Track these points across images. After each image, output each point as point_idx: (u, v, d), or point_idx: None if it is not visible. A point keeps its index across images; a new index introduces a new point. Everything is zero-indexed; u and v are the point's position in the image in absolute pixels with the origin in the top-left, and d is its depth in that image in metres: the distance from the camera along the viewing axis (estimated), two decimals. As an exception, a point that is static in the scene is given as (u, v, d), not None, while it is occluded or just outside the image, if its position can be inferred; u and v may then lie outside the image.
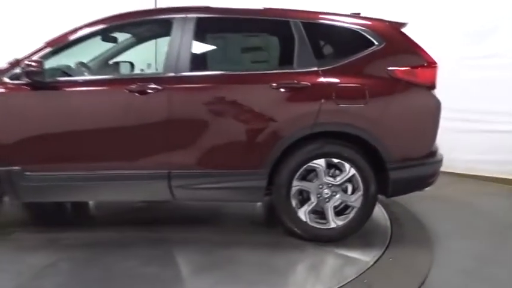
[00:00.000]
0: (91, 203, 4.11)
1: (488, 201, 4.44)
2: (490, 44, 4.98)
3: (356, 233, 3.23)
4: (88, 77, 3.32)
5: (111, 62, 3.89)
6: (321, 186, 3.13)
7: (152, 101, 3.00)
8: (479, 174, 5.06)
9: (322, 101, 3.01)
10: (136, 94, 3.00)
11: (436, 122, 3.19)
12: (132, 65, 4.03)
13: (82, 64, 3.46)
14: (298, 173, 3.11)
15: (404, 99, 3.13)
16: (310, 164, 3.09)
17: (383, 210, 3.93)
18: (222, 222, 3.69)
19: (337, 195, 3.15)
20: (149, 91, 2.99)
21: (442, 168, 3.34)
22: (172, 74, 3.05)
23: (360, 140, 3.11)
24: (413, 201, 4.08)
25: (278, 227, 3.32)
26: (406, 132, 3.12)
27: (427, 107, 3.17)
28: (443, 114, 3.20)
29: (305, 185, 3.14)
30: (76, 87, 3.13)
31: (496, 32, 4.93)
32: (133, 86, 3.00)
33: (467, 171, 5.12)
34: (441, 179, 3.39)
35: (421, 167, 3.20)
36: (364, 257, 2.99)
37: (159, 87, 3.00)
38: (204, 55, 3.32)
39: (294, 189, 3.12)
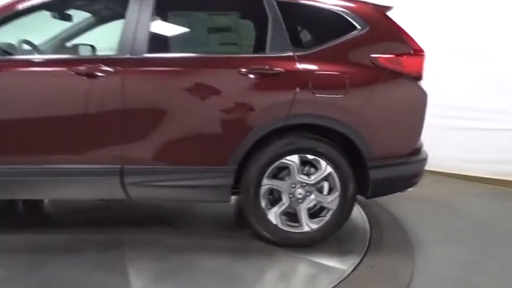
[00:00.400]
0: (46, 201, 3.71)
1: (472, 203, 4.19)
2: (479, 38, 4.72)
3: (332, 238, 2.92)
4: (28, 56, 2.91)
5: (68, 44, 3.48)
6: (293, 185, 2.80)
7: (103, 85, 2.62)
8: (463, 173, 4.82)
9: (297, 89, 2.68)
10: (85, 77, 2.61)
11: (422, 116, 2.89)
12: (93, 49, 3.62)
13: (27, 43, 3.05)
14: (268, 171, 2.77)
15: (387, 90, 2.82)
16: (282, 160, 2.76)
17: (362, 211, 3.63)
18: (184, 224, 3.31)
19: (312, 196, 2.83)
20: (99, 74, 2.61)
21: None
22: (127, 56, 2.67)
23: (338, 134, 2.79)
24: (394, 201, 3.80)
25: (246, 230, 2.99)
26: (388, 127, 2.82)
27: (413, 100, 2.87)
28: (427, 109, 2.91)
29: (276, 183, 2.81)
30: (14, 68, 2.71)
31: (486, 25, 4.67)
32: (81, 68, 2.61)
33: (450, 170, 4.88)
34: (423, 177, 3.11)
35: (404, 165, 2.90)
36: (340, 265, 2.68)
37: (111, 70, 2.61)
38: (164, 35, 2.94)
39: (263, 189, 2.79)
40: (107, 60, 2.66)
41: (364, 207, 3.70)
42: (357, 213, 3.56)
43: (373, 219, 3.49)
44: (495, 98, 4.67)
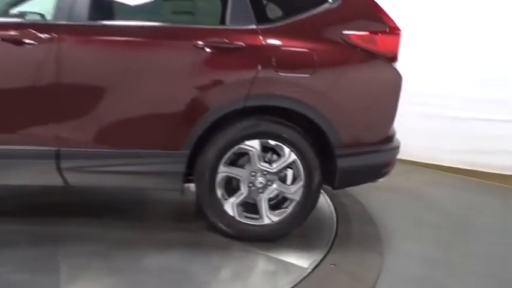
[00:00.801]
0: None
1: (447, 195, 4.01)
2: (455, 19, 4.50)
3: (294, 232, 2.67)
4: None
5: (13, 10, 3.08)
6: (253, 173, 2.53)
7: (34, 55, 2.27)
8: (438, 163, 4.63)
9: (259, 67, 2.39)
10: (13, 45, 2.25)
11: (396, 101, 2.64)
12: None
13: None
14: (226, 157, 2.49)
15: (359, 70, 2.55)
16: (241, 145, 2.48)
17: (329, 202, 3.39)
18: (131, 214, 2.97)
19: (273, 185, 2.56)
20: (29, 41, 2.25)
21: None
22: (63, 22, 2.32)
23: (303, 118, 2.52)
24: (365, 191, 3.57)
25: (202, 222, 2.70)
26: (359, 112, 2.55)
27: (387, 83, 2.61)
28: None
29: (234, 171, 2.53)
30: None
31: (464, 5, 4.44)
32: (8, 33, 2.25)
33: (423, 160, 4.68)
34: (397, 167, 2.88)
35: (375, 154, 2.66)
36: (301, 262, 2.43)
37: (43, 37, 2.26)
38: (109, 0, 2.59)
39: (220, 176, 2.51)
40: (39, 26, 2.30)
41: (333, 197, 3.46)
42: (324, 204, 3.32)
43: (341, 210, 3.26)
44: (474, 87, 4.47)
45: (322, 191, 3.40)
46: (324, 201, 3.38)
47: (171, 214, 3.08)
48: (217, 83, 2.39)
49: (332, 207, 3.28)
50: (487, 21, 4.36)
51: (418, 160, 4.66)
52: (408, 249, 2.80)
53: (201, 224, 2.72)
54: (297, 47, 2.45)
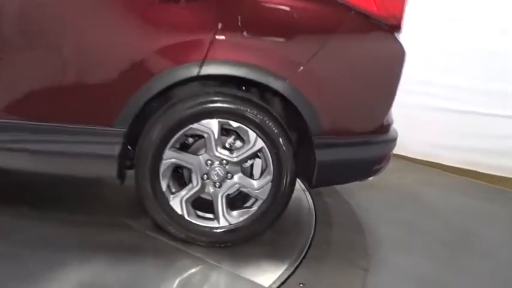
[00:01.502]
0: None
1: (444, 198, 3.47)
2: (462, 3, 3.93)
3: (258, 238, 2.14)
4: None
5: None
6: (209, 162, 1.99)
7: None
8: (435, 161, 4.10)
9: (220, 25, 1.83)
10: None
11: (396, 81, 2.10)
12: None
13: None
14: (173, 139, 1.95)
15: (352, 39, 1.99)
16: (193, 125, 1.94)
17: (309, 200, 2.87)
18: (57, 206, 2.39)
19: (234, 179, 2.03)
20: None
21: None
22: None
23: (275, 95, 1.99)
24: (352, 190, 3.06)
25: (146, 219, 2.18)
26: (347, 92, 2.01)
27: (386, 57, 2.06)
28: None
29: (184, 158, 1.99)
30: None
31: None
32: None
33: (420, 156, 4.14)
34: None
35: (365, 146, 2.12)
36: (261, 280, 1.90)
37: None
38: None
39: (165, 164, 1.97)
40: None
41: (315, 195, 2.93)
42: (303, 202, 2.80)
43: (323, 212, 2.73)
44: (483, 78, 3.92)
45: (303, 186, 2.96)
46: (304, 198, 2.86)
47: (111, 207, 2.52)
48: (163, 43, 1.83)
49: (312, 208, 2.75)
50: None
51: (414, 156, 4.12)
52: (398, 263, 2.28)
53: (144, 223, 2.19)
54: (273, 2, 1.89)
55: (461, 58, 3.94)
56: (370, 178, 2.29)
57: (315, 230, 2.45)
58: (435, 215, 3.04)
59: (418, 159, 4.14)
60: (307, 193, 2.95)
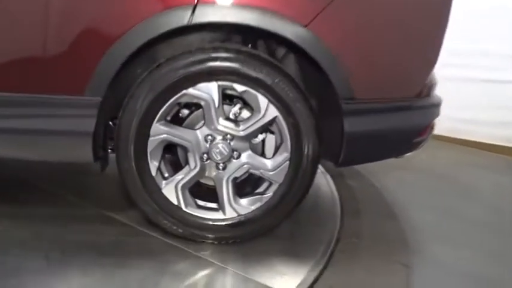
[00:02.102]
0: None
1: (481, 178, 3.01)
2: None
3: (274, 232, 1.73)
4: None
5: None
6: (209, 137, 1.58)
7: None
8: (471, 139, 3.63)
9: (216, -44, 1.41)
10: None
11: (442, 29, 1.67)
12: None
13: None
14: (162, 109, 1.53)
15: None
16: (187, 91, 1.51)
17: (331, 184, 2.45)
18: (33, 197, 1.99)
19: (242, 158, 1.61)
20: None
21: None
22: None
23: (291, 49, 1.56)
24: (377, 171, 2.64)
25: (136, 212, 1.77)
26: (383, 43, 1.57)
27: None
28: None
29: (177, 133, 1.57)
30: None
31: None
32: None
33: (453, 134, 3.68)
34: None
35: (404, 113, 1.69)
36: (280, 285, 1.49)
37: None
38: None
39: (154, 141, 1.55)
40: None
41: (336, 178, 2.52)
42: (323, 188, 2.38)
43: (347, 198, 2.30)
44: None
45: (322, 168, 2.54)
46: (325, 183, 2.44)
47: (106, 198, 2.11)
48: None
49: (335, 194, 2.32)
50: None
51: (445, 134, 3.66)
52: (442, 256, 1.84)
53: (138, 216, 1.78)
54: None
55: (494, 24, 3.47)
56: (409, 154, 1.87)
57: (341, 220, 2.03)
58: (475, 198, 2.60)
59: (448, 137, 3.69)
60: (328, 176, 2.53)
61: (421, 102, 1.71)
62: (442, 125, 3.45)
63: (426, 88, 1.72)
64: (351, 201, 2.28)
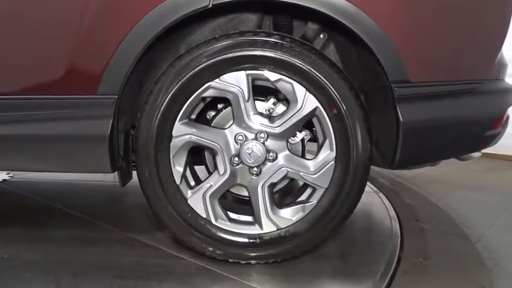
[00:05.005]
0: None
1: None
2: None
3: (322, 250, 1.46)
4: None
5: None
6: (240, 137, 1.36)
7: None
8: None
9: None
10: None
11: (510, 7, 1.42)
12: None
13: None
14: (186, 105, 1.34)
15: None
16: (212, 83, 1.32)
17: (385, 201, 2.15)
18: (51, 217, 1.82)
19: (279, 160, 1.37)
20: None
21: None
22: None
23: (333, 28, 1.36)
24: (437, 189, 2.31)
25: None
26: (442, 14, 1.33)
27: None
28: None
29: (204, 134, 1.37)
30: None
31: None
32: None
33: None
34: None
35: (471, 98, 1.41)
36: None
37: None
38: None
39: (177, 143, 1.36)
40: None
41: (391, 197, 2.22)
42: (375, 205, 2.09)
43: (406, 215, 1.99)
44: None
45: (373, 187, 2.26)
46: (378, 202, 2.15)
47: (130, 216, 1.91)
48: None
49: (392, 211, 2.01)
50: None
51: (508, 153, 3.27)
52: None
53: (164, 236, 1.57)
54: None
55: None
56: (478, 154, 1.57)
57: (402, 239, 1.71)
58: None
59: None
60: (381, 195, 2.24)
61: (490, 85, 1.43)
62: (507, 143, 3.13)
63: (495, 69, 1.45)
64: (412, 219, 1.96)
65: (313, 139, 1.44)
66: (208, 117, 1.46)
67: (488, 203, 2.36)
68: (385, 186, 2.45)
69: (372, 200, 2.16)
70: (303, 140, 1.43)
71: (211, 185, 1.38)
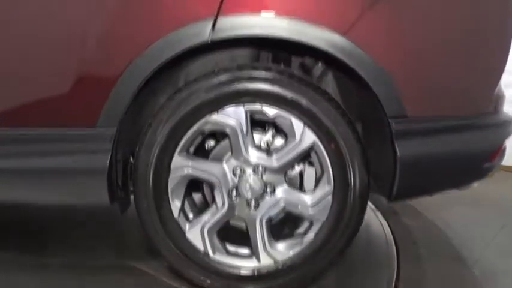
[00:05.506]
0: None
1: None
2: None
3: (318, 282, 1.46)
4: None
5: None
6: (238, 170, 1.36)
7: None
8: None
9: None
10: None
11: (509, 32, 1.42)
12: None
13: None
14: (184, 138, 1.34)
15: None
16: (210, 117, 1.32)
17: (382, 222, 2.15)
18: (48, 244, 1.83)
19: (277, 194, 1.37)
20: None
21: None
22: None
23: (329, 64, 1.36)
24: (437, 205, 2.31)
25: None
26: (439, 48, 1.33)
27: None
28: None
29: (202, 166, 1.37)
30: None
31: None
32: None
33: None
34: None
35: (469, 132, 1.41)
36: None
37: None
38: None
39: (176, 177, 1.36)
40: None
41: (388, 216, 2.22)
42: (373, 226, 2.09)
43: (403, 238, 1.99)
44: None
45: (371, 205, 2.26)
46: (376, 223, 2.15)
47: (129, 245, 1.92)
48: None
49: (389, 234, 2.02)
50: None
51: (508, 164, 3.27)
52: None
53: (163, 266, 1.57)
54: None
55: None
56: (474, 184, 1.57)
57: (398, 266, 1.72)
58: None
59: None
60: (378, 214, 2.24)
61: (489, 118, 1.44)
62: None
63: (493, 102, 1.45)
64: (409, 242, 1.97)
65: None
66: (207, 147, 1.46)
67: (485, 220, 2.35)
68: (382, 202, 2.46)
69: (369, 220, 2.16)
70: (300, 173, 1.43)
71: (209, 218, 1.38)
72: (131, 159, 1.48)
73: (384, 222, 2.14)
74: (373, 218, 2.19)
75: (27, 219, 1.94)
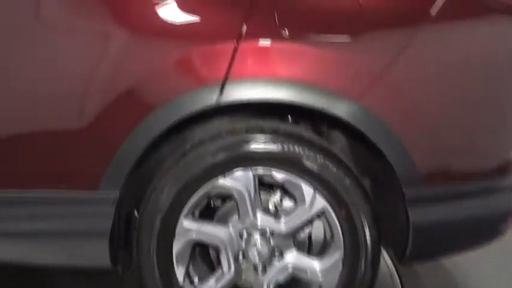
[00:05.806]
0: None
1: None
2: None
3: None
4: None
5: None
6: (245, 234, 1.31)
7: None
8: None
9: (244, 28, 1.21)
10: None
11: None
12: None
13: None
14: (190, 202, 1.29)
15: (452, 28, 1.30)
16: (216, 182, 1.28)
17: (390, 266, 2.09)
18: None
19: (285, 259, 1.32)
20: None
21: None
22: None
23: (335, 127, 1.32)
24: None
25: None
26: (453, 111, 1.29)
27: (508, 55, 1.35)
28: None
29: (207, 230, 1.32)
30: None
31: None
32: None
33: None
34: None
35: (486, 196, 1.37)
36: None
37: None
38: None
39: (180, 241, 1.31)
40: None
41: (395, 259, 2.15)
42: (380, 272, 2.03)
43: (413, 286, 1.94)
44: None
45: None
46: (382, 266, 2.09)
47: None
48: (160, 63, 1.22)
49: (397, 281, 1.96)
50: None
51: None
52: None
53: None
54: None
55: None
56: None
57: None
58: None
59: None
60: (385, 256, 2.18)
61: (504, 181, 1.39)
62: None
63: (506, 165, 1.40)
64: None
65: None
66: (213, 205, 1.41)
67: (505, 268, 2.26)
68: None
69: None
70: (309, 236, 1.38)
71: (215, 284, 1.33)
72: (135, 212, 1.44)
73: (391, 267, 2.07)
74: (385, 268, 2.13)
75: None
